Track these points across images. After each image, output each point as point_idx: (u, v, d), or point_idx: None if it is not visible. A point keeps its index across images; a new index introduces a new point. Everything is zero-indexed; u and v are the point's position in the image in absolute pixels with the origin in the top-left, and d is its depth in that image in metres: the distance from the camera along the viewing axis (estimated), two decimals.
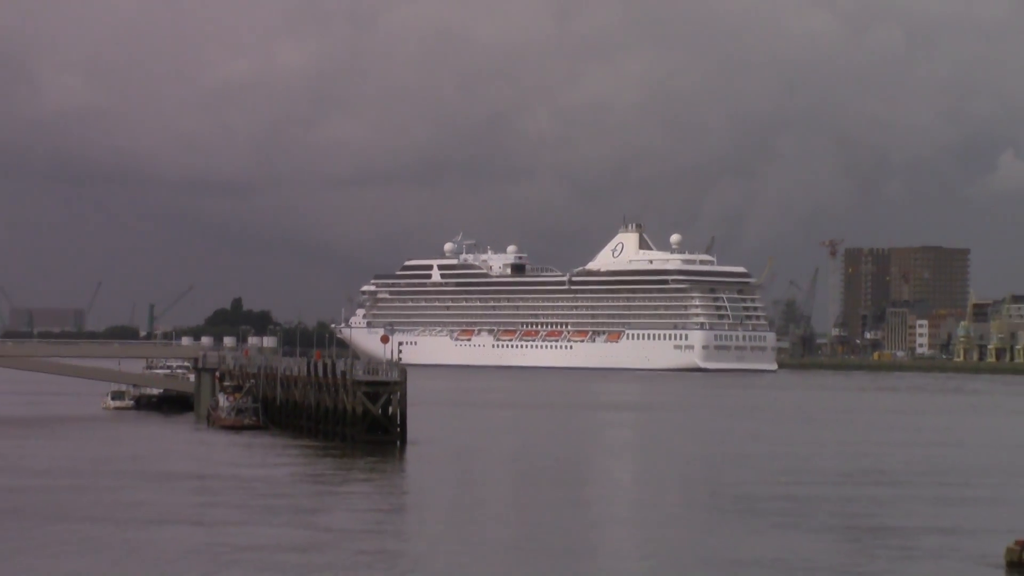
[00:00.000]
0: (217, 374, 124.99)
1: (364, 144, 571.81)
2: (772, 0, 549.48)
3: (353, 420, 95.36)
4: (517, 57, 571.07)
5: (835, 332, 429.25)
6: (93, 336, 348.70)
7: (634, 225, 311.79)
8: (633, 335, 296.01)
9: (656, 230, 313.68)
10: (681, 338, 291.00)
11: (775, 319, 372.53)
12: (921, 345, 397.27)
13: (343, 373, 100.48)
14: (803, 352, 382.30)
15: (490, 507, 66.39)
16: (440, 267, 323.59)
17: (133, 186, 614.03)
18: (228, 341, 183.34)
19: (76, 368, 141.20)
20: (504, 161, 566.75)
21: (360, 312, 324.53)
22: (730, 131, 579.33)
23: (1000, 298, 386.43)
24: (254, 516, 58.88)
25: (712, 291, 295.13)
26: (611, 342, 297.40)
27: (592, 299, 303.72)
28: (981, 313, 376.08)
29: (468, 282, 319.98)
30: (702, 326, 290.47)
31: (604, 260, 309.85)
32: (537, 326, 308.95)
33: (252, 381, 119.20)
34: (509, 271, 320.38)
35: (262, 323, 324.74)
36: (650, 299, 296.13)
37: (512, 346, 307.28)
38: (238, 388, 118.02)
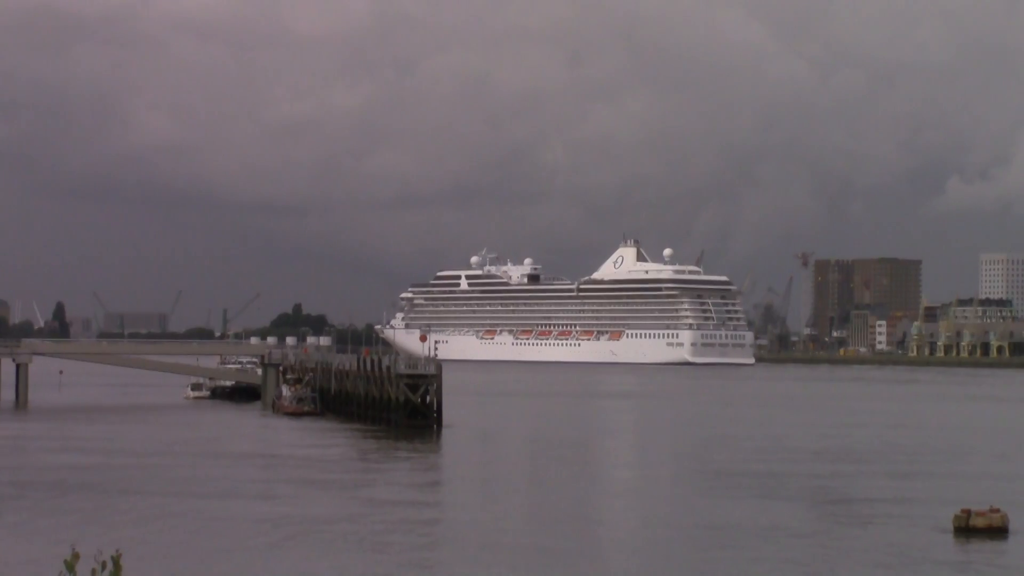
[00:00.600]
0: (280, 368, 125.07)
1: (405, 172, 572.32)
2: (752, 49, 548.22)
3: (396, 407, 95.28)
4: (535, 98, 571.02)
5: (806, 331, 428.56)
6: (175, 336, 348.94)
7: (632, 241, 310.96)
8: (632, 334, 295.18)
9: (652, 245, 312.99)
10: (673, 337, 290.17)
11: (755, 320, 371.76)
12: (880, 342, 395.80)
13: (387, 367, 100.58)
14: (779, 348, 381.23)
15: (511, 481, 66.33)
16: (467, 277, 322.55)
17: (209, 209, 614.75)
18: (290, 340, 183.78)
19: (160, 364, 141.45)
20: (524, 187, 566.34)
21: (400, 315, 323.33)
22: (716, 161, 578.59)
23: (947, 302, 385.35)
24: (311, 489, 58.68)
25: (699, 297, 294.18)
26: (613, 340, 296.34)
27: (597, 304, 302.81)
28: (931, 315, 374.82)
29: (491, 290, 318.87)
30: (690, 326, 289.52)
31: (607, 271, 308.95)
32: (550, 327, 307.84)
33: (310, 374, 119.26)
34: (526, 280, 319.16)
35: (319, 325, 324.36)
36: (646, 304, 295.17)
37: (529, 344, 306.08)
38: (298, 380, 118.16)
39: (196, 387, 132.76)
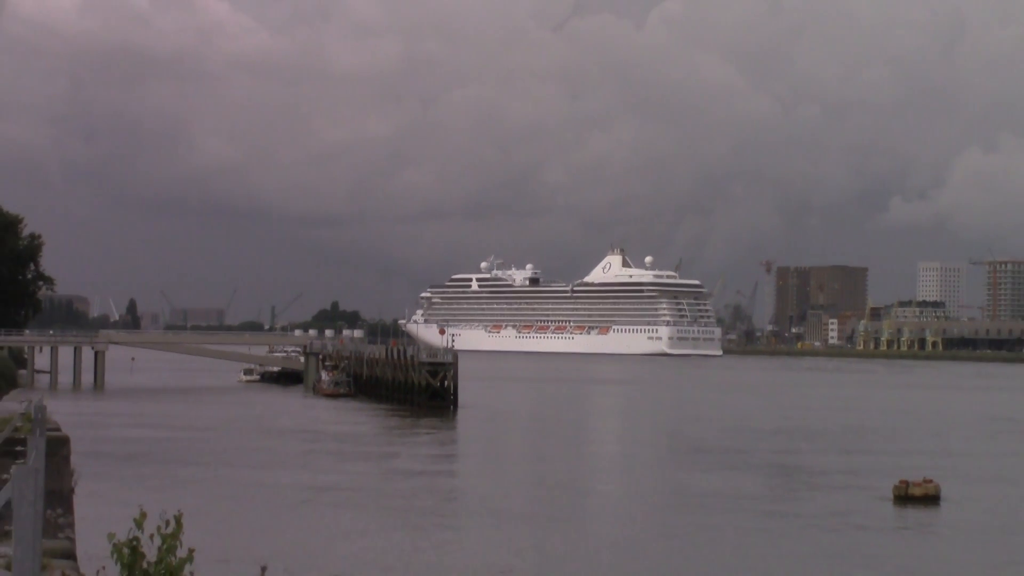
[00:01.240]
0: (320, 357, 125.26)
1: (427, 190, 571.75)
2: (725, 87, 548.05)
3: (418, 390, 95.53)
4: (539, 128, 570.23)
5: (769, 328, 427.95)
6: (230, 329, 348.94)
7: (619, 249, 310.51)
8: (618, 329, 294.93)
9: (636, 253, 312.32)
10: (652, 332, 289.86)
11: (725, 318, 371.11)
12: (832, 337, 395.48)
13: (411, 356, 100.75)
14: (746, 342, 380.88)
15: (516, 453, 66.62)
16: (478, 279, 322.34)
17: (260, 221, 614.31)
18: (328, 333, 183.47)
19: (218, 352, 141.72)
20: (528, 203, 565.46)
21: (420, 312, 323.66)
22: (694, 181, 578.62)
23: (890, 304, 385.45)
24: (345, 460, 58.84)
25: (675, 298, 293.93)
26: (602, 335, 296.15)
27: (588, 303, 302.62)
28: (876, 314, 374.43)
29: (498, 290, 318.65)
30: (667, 323, 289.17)
31: (597, 275, 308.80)
32: (548, 323, 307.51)
33: (345, 362, 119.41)
34: (528, 282, 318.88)
35: (353, 320, 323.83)
36: (630, 303, 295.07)
37: (530, 337, 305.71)
38: (335, 367, 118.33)
39: (248, 372, 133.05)
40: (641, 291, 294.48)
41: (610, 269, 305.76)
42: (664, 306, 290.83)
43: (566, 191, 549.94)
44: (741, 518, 42.26)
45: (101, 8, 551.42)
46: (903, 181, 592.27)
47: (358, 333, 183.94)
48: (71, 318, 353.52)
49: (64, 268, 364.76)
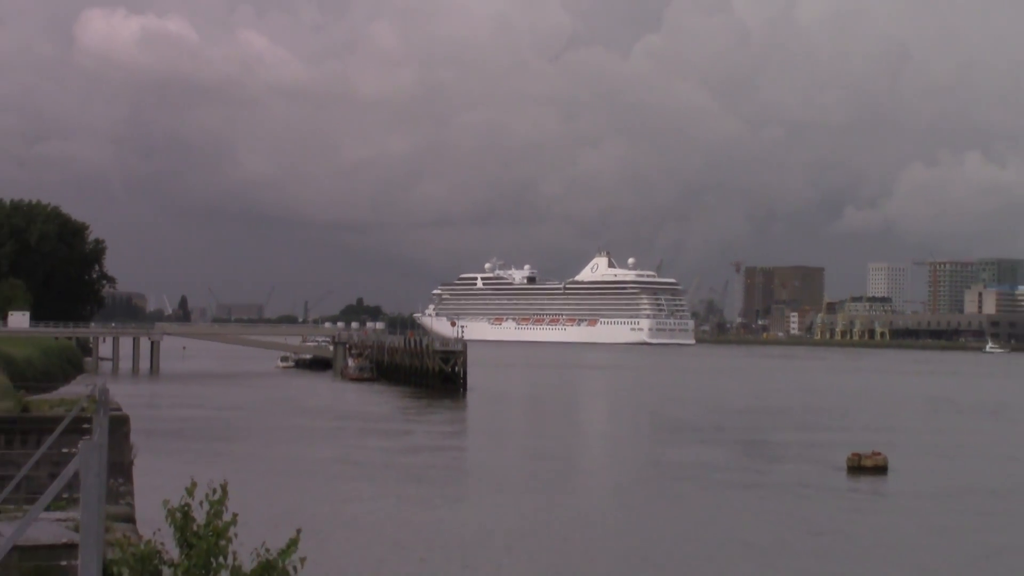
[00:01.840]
0: (347, 346, 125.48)
1: (440, 200, 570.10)
2: (700, 110, 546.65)
3: (432, 375, 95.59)
4: (538, 146, 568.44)
5: (739, 320, 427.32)
6: (268, 321, 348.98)
7: (605, 252, 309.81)
8: (604, 322, 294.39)
9: (621, 255, 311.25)
10: (635, 324, 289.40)
11: (700, 312, 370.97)
12: (793, 329, 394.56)
13: (426, 345, 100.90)
14: (718, 333, 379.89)
15: (516, 429, 66.45)
16: (482, 278, 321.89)
17: (295, 227, 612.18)
18: (354, 325, 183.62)
19: (258, 341, 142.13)
20: (528, 212, 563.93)
21: (431, 307, 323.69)
22: (673, 192, 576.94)
23: (843, 299, 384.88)
24: (368, 435, 58.80)
25: (654, 294, 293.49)
26: (590, 326, 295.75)
27: (578, 299, 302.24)
28: (831, 308, 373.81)
29: (500, 288, 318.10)
30: (648, 316, 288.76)
31: (586, 274, 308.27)
32: (543, 316, 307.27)
33: (369, 350, 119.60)
34: (526, 281, 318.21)
35: (375, 314, 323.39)
36: (615, 299, 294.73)
37: (528, 329, 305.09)
38: (360, 355, 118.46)
39: (284, 359, 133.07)
40: (625, 288, 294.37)
41: (597, 269, 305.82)
42: (645, 301, 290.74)
43: (560, 201, 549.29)
44: (713, 485, 42.29)
45: (157, 43, 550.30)
46: (855, 192, 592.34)
47: (380, 325, 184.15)
48: (130, 312, 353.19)
49: (124, 269, 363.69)
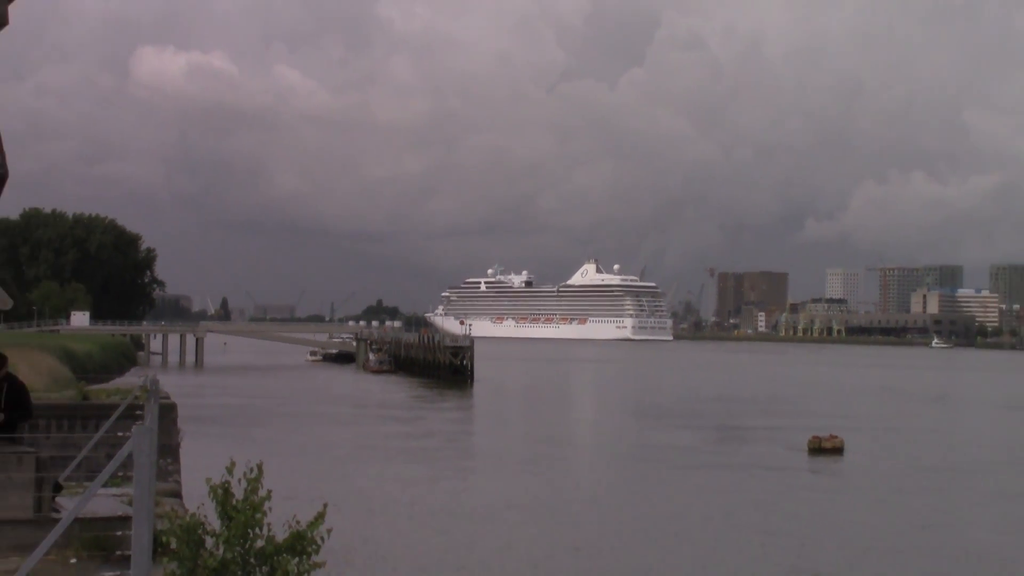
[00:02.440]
0: (368, 342, 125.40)
1: (449, 214, 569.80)
2: (679, 135, 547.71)
3: (443, 368, 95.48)
4: (536, 164, 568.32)
5: (713, 319, 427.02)
6: (299, 320, 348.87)
7: (594, 259, 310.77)
8: (593, 321, 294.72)
9: (608, 262, 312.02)
10: (619, 323, 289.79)
11: (679, 312, 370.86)
12: (761, 326, 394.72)
13: (438, 341, 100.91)
14: (694, 331, 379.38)
15: (517, 415, 66.21)
16: (485, 282, 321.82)
17: (323, 237, 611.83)
18: (374, 324, 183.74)
19: (290, 338, 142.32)
20: (527, 224, 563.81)
21: (441, 307, 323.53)
22: (655, 206, 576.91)
23: (805, 300, 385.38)
24: (386, 420, 58.73)
25: (637, 297, 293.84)
26: (580, 325, 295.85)
27: (570, 301, 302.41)
28: (795, 309, 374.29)
29: (501, 290, 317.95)
30: (631, 316, 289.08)
31: (576, 279, 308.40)
32: (539, 316, 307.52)
33: (388, 345, 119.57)
34: (524, 285, 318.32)
35: (393, 313, 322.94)
36: (602, 301, 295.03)
37: (525, 327, 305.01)
38: (380, 350, 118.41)
39: (313, 353, 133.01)
40: (611, 291, 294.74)
41: (587, 274, 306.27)
42: (628, 303, 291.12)
43: (556, 214, 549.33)
44: (688, 463, 42.27)
45: (202, 75, 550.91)
46: (815, 206, 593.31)
47: (397, 324, 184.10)
48: (178, 312, 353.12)
49: (172, 274, 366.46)
